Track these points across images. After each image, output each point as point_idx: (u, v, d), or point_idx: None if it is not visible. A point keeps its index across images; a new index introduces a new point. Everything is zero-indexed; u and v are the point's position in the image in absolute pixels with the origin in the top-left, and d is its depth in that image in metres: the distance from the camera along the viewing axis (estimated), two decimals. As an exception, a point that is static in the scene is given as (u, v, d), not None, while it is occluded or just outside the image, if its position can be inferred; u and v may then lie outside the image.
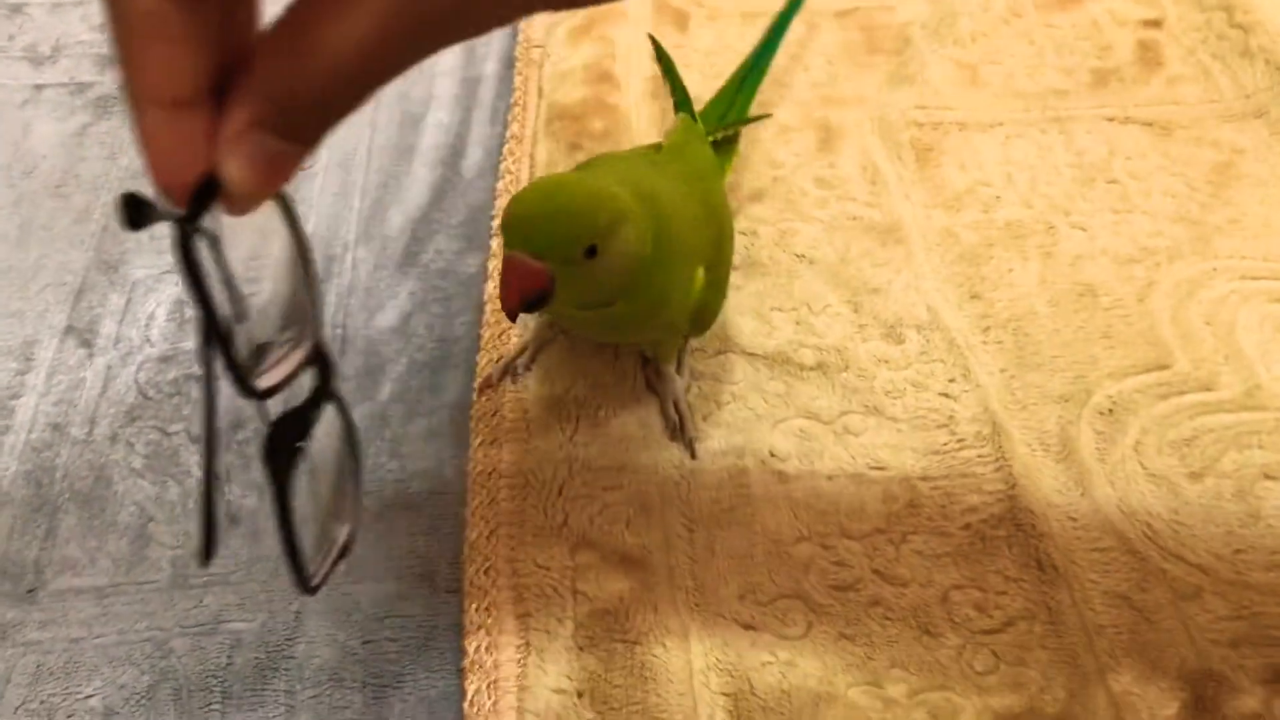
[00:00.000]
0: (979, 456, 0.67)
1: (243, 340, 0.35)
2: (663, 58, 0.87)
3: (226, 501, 0.67)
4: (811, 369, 0.71)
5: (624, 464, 0.66)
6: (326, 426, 0.43)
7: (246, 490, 0.67)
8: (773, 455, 0.67)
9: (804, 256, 0.79)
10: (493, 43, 1.00)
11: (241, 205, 0.32)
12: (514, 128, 0.89)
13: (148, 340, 0.76)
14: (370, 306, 0.78)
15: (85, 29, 1.03)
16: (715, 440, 0.68)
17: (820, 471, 0.67)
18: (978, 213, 0.82)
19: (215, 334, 0.33)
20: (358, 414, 0.70)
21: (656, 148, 0.71)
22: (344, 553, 0.46)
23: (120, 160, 0.89)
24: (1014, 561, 0.62)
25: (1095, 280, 0.77)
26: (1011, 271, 0.78)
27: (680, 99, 0.79)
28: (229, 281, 0.33)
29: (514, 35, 1.00)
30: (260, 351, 0.37)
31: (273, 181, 0.32)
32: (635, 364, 0.72)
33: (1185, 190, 0.83)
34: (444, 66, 0.98)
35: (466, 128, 0.92)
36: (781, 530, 0.64)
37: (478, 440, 0.68)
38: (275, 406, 0.39)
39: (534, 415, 0.69)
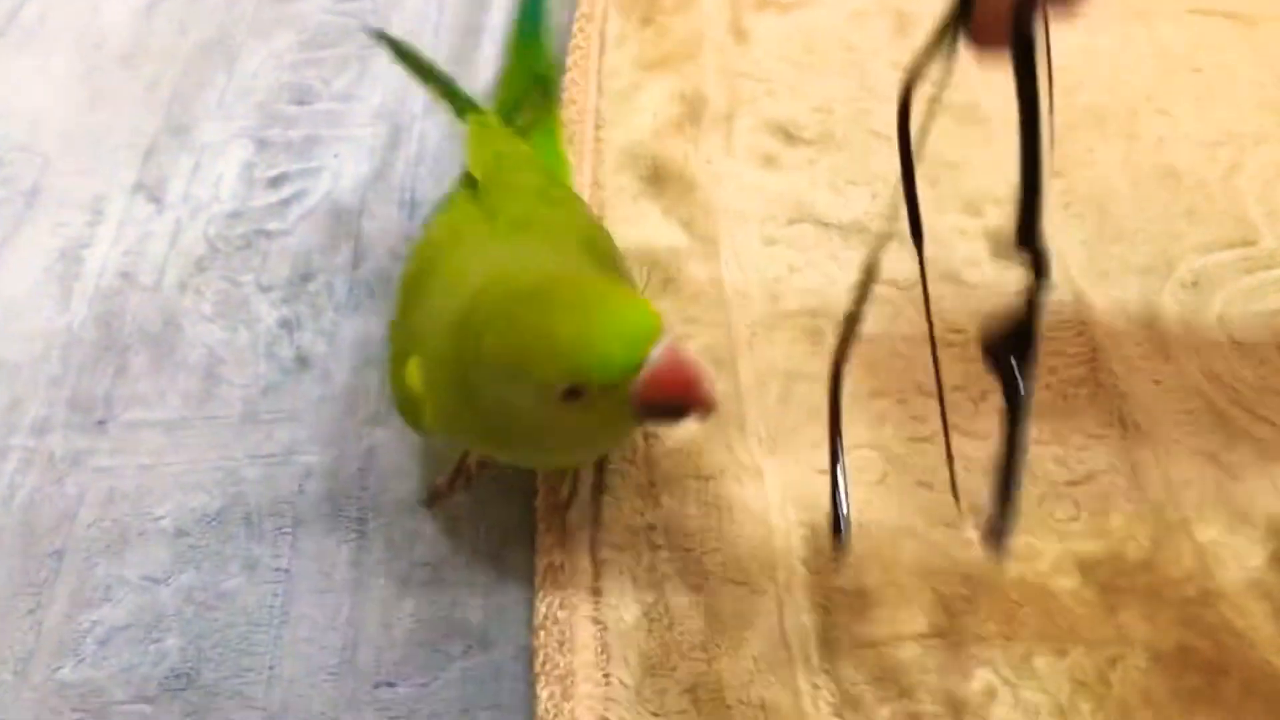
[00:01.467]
0: (1061, 322, 0.65)
1: None
2: (407, 57, 0.67)
3: (296, 346, 0.67)
4: (886, 237, 0.70)
5: (694, 317, 0.65)
6: None
7: (316, 336, 0.67)
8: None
9: (880, 134, 0.78)
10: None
11: None
12: (584, 6, 0.88)
13: (216, 198, 0.76)
14: (438, 174, 0.77)
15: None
16: (788, 300, 0.67)
17: (896, 333, 0.65)
18: (1059, 98, 0.80)
19: None
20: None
21: (471, 183, 0.56)
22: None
23: (190, 34, 0.89)
24: (1096, 420, 0.61)
25: (1178, 162, 0.75)
26: (1092, 152, 0.76)
27: (458, 103, 0.63)
28: None
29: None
30: None
31: None
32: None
33: (1271, 79, 0.81)
34: (510, -47, 0.97)
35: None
36: (857, 386, 0.63)
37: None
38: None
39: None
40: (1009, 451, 0.42)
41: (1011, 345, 0.42)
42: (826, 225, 0.72)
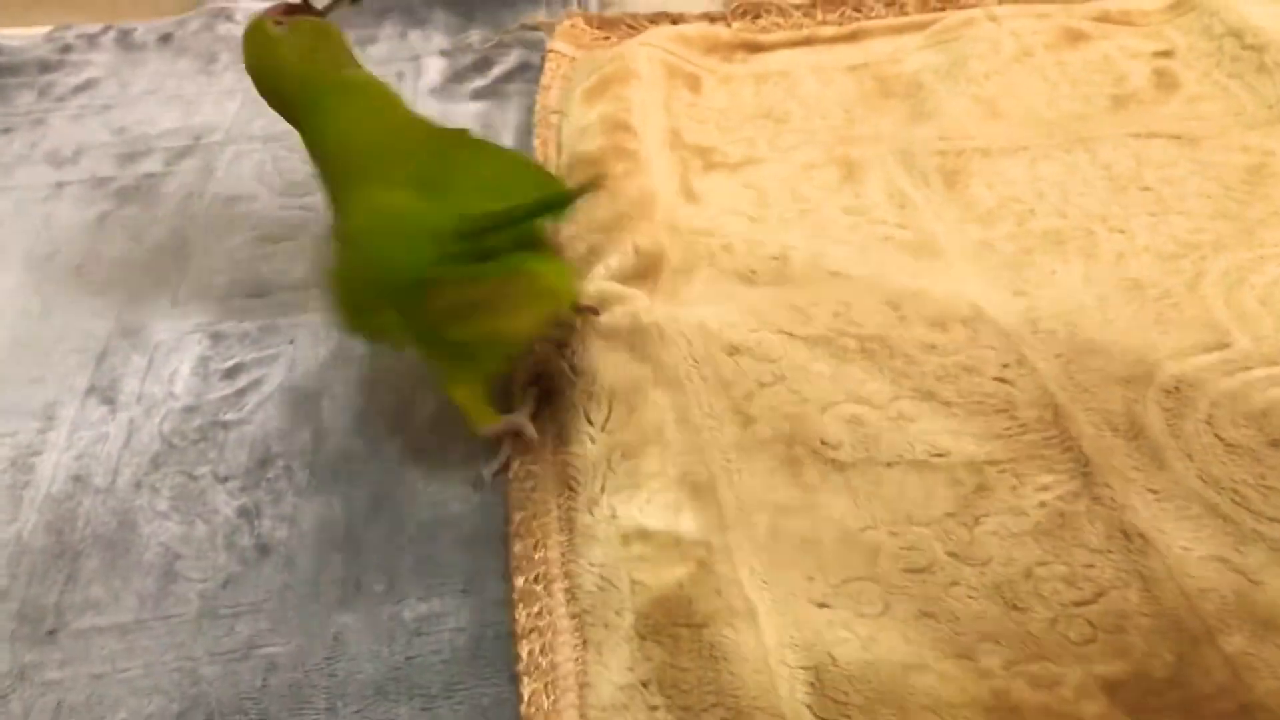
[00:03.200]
0: (1045, 439, 0.64)
1: None
2: None
3: (257, 534, 0.63)
4: (856, 353, 0.69)
5: (663, 446, 0.62)
6: None
7: (276, 522, 0.64)
8: (824, 443, 0.64)
9: (838, 273, 0.77)
10: (508, 118, 1.01)
11: None
12: (536, 177, 0.88)
13: (171, 394, 0.74)
14: (399, 351, 0.76)
15: (106, 133, 1.04)
16: (761, 425, 0.65)
17: (879, 459, 0.63)
18: (1013, 225, 0.81)
19: None
20: (394, 445, 0.67)
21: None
22: None
23: (144, 240, 0.89)
24: (1098, 534, 0.58)
25: (1141, 276, 0.75)
26: (1054, 274, 0.76)
27: None
28: None
29: (528, 111, 1.01)
30: None
31: None
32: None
33: (1220, 190, 0.82)
34: (462, 140, 0.98)
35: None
36: (846, 519, 0.60)
37: (516, 461, 0.65)
38: None
39: (562, 418, 0.66)
40: None
41: None
42: (792, 336, 0.71)
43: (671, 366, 0.67)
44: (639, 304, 0.71)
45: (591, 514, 0.60)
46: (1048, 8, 1.07)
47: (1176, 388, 0.66)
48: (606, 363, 0.67)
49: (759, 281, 0.76)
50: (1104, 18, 1.05)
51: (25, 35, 1.23)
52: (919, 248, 0.79)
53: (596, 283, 0.74)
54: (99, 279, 0.85)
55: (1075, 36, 1.02)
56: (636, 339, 0.69)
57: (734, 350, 0.69)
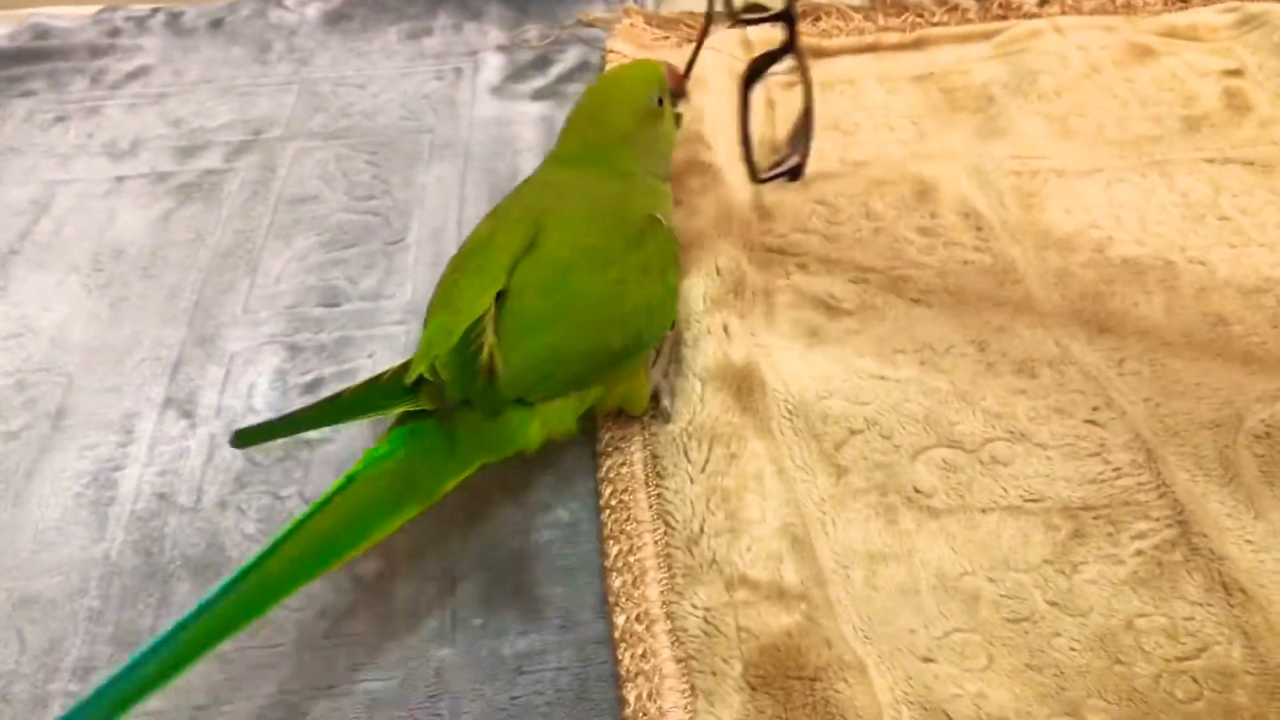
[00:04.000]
0: (1139, 485, 0.64)
1: None
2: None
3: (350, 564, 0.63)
4: (949, 395, 0.69)
5: (763, 496, 0.62)
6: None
7: (370, 551, 0.64)
8: (917, 491, 0.64)
9: (920, 300, 0.77)
10: (571, 120, 1.00)
11: None
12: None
13: (251, 409, 0.74)
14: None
15: (162, 124, 1.03)
16: (854, 476, 0.65)
17: (973, 505, 0.63)
18: (1091, 252, 0.80)
19: None
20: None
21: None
22: (793, 174, 0.85)
23: (208, 240, 0.88)
24: (1196, 586, 0.58)
25: (1224, 310, 0.75)
26: (1136, 306, 0.75)
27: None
28: None
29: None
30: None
31: None
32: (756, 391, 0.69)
33: (1300, 222, 0.81)
34: (525, 143, 0.98)
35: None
36: (943, 565, 0.60)
37: (608, 489, 0.65)
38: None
39: (662, 452, 0.66)
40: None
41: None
42: (883, 379, 0.71)
43: (766, 415, 0.67)
44: (732, 339, 0.71)
45: (691, 554, 0.60)
46: (1113, 20, 1.06)
47: (1268, 433, 0.66)
48: (706, 403, 0.67)
49: (840, 309, 0.76)
50: (1171, 32, 1.04)
51: (72, 15, 1.21)
52: (1001, 273, 0.79)
53: (685, 306, 0.74)
54: (168, 282, 0.85)
55: (1143, 52, 1.01)
56: (733, 381, 0.68)
57: (825, 396, 0.69)
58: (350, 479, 0.56)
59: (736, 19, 0.83)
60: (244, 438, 0.58)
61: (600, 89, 0.75)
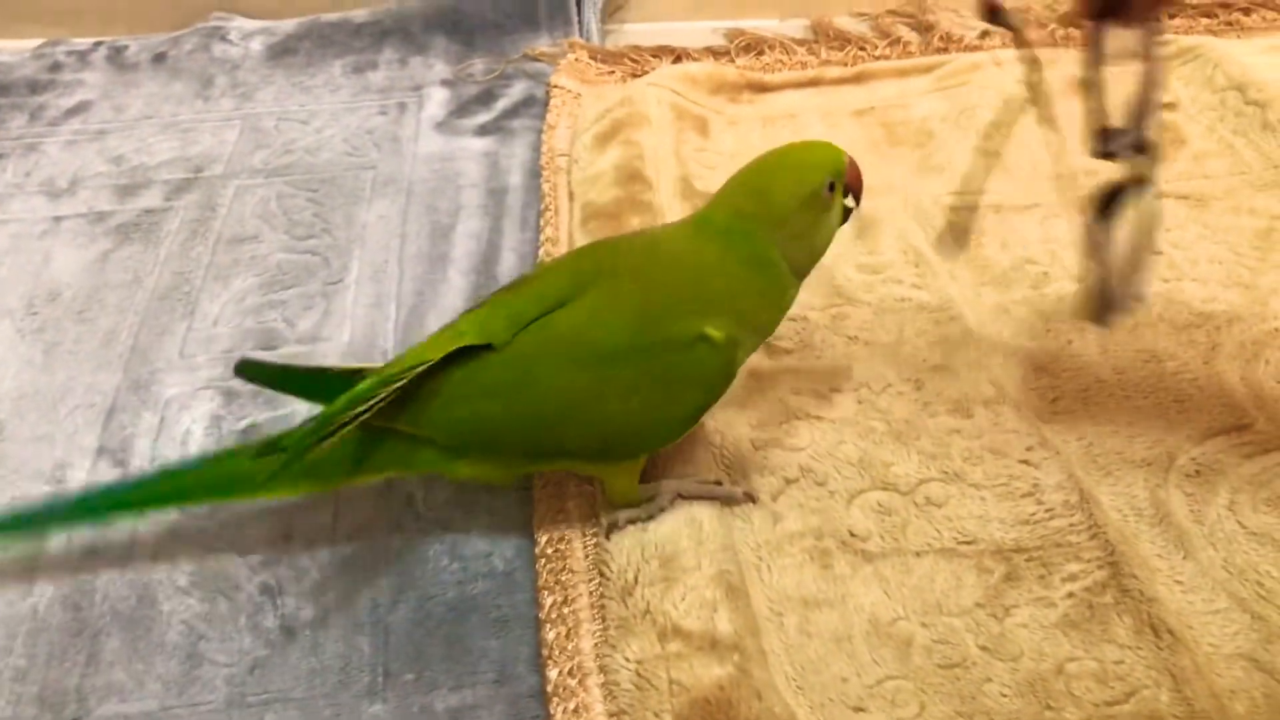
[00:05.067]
0: (1071, 525, 0.64)
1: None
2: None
3: (281, 615, 0.63)
4: (885, 435, 0.69)
5: (699, 542, 0.62)
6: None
7: (301, 601, 0.63)
8: (852, 535, 0.64)
9: (857, 338, 0.77)
10: (514, 157, 1.00)
11: None
12: (548, 231, 0.88)
13: (184, 456, 0.73)
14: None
15: (102, 162, 1.02)
16: (789, 521, 0.65)
17: (907, 549, 0.63)
18: (1027, 289, 0.81)
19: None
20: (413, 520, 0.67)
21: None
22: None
23: (146, 282, 0.87)
24: (1127, 629, 0.59)
25: (1157, 347, 0.76)
26: (1071, 344, 0.76)
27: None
28: None
29: (535, 149, 1.01)
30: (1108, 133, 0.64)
31: None
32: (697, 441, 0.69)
33: (1231, 256, 0.83)
34: (468, 179, 0.97)
35: (498, 235, 0.91)
36: (876, 613, 0.60)
37: (544, 537, 0.65)
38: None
39: (592, 499, 0.66)
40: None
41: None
42: (820, 420, 0.71)
43: (705, 462, 0.67)
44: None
45: (625, 604, 0.60)
46: (1053, 53, 1.07)
47: (1197, 471, 0.67)
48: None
49: (779, 347, 0.76)
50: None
51: (13, 49, 1.20)
52: (937, 311, 0.79)
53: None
54: (103, 326, 0.84)
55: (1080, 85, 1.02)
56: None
57: (762, 445, 0.69)
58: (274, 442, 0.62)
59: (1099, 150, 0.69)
60: (247, 369, 0.65)
61: (771, 159, 0.64)
